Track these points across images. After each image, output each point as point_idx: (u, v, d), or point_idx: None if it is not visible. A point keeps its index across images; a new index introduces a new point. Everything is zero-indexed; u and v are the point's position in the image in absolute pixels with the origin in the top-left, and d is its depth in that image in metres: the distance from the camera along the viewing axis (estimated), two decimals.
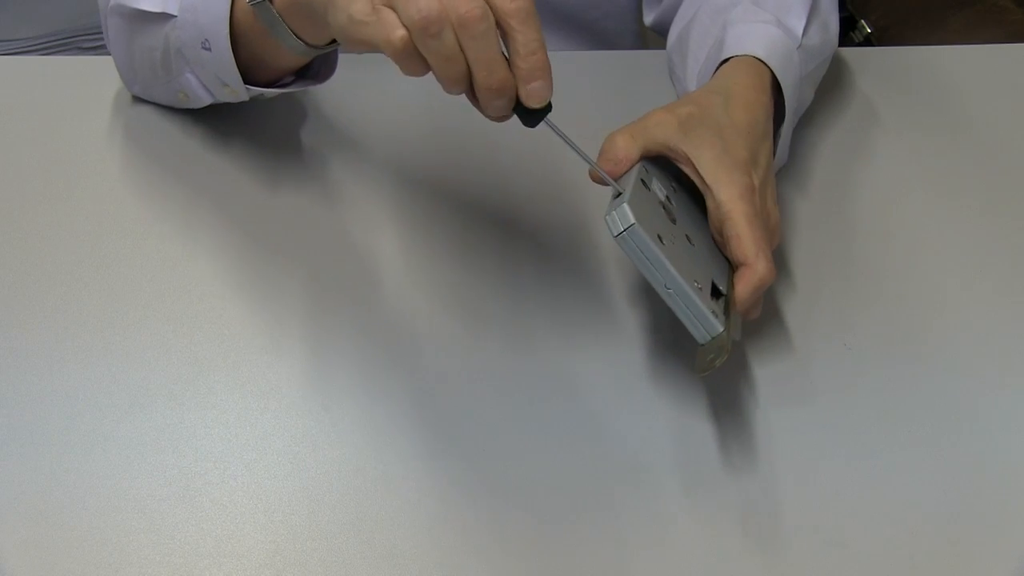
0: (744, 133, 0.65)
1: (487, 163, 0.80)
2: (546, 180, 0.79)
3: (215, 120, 0.80)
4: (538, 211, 0.73)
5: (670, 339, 0.68)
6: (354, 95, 0.85)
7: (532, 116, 0.56)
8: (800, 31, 0.75)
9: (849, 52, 0.92)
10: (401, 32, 0.54)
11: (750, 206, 0.61)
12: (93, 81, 0.85)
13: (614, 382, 0.66)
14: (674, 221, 0.60)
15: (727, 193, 0.61)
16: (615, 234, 0.56)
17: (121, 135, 0.81)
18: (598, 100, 0.87)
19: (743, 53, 0.71)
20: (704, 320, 0.57)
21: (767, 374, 0.67)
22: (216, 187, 0.77)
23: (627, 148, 0.63)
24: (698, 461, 0.62)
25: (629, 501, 0.60)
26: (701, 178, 0.62)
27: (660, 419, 0.64)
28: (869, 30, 1.22)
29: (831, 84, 0.88)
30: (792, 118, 0.74)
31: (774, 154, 0.71)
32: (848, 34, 1.17)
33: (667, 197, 0.62)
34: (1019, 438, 0.64)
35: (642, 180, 0.60)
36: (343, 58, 0.86)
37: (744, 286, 0.59)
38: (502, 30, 0.54)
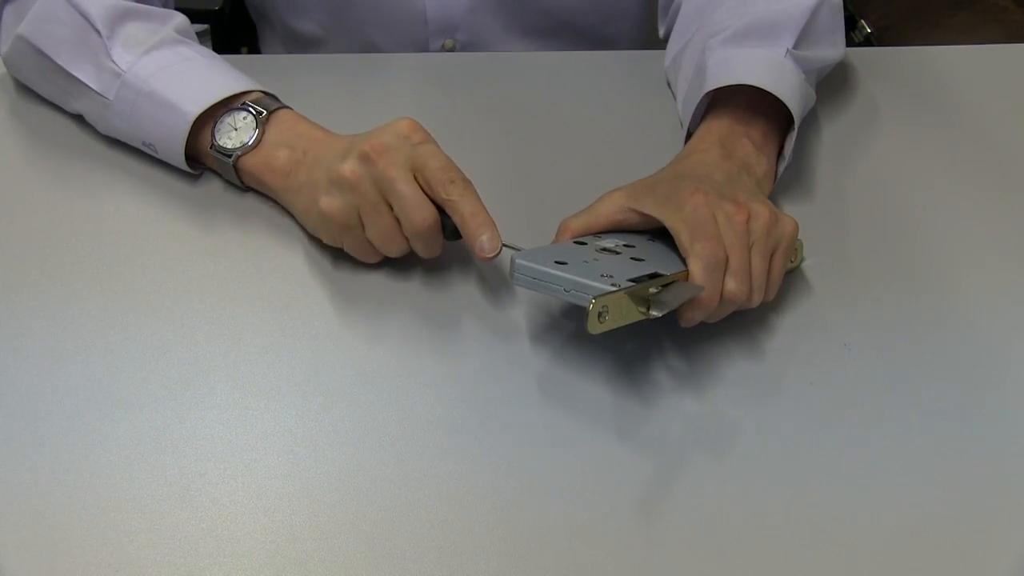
0: (682, 175, 0.69)
1: (492, 162, 0.80)
2: (557, 181, 0.79)
3: None
4: (544, 214, 0.73)
5: (668, 341, 0.68)
6: (351, 100, 0.85)
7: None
8: (790, 45, 0.77)
9: (849, 52, 0.92)
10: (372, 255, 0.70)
11: (687, 212, 0.64)
12: None
13: (613, 384, 0.66)
14: (618, 252, 0.65)
15: (668, 214, 0.65)
16: (510, 279, 0.63)
17: None
18: (598, 100, 0.87)
19: (724, 84, 0.74)
20: (584, 289, 0.59)
21: (767, 374, 0.67)
22: (217, 187, 0.77)
23: (566, 227, 0.68)
24: (697, 461, 0.62)
25: (628, 501, 0.60)
26: (650, 216, 0.66)
27: (659, 419, 0.64)
28: (869, 30, 1.22)
29: (831, 84, 0.88)
30: (800, 117, 0.76)
31: (782, 155, 0.76)
32: (848, 34, 1.17)
33: (620, 244, 0.66)
34: (1019, 438, 0.64)
35: (575, 242, 0.66)
36: (343, 65, 0.86)
37: (693, 268, 0.63)
38: (446, 205, 0.66)
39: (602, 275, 0.60)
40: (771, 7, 0.78)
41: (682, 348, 0.67)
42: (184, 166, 0.75)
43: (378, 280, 0.71)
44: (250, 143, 0.72)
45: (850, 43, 0.87)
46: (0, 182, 0.77)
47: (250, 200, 0.76)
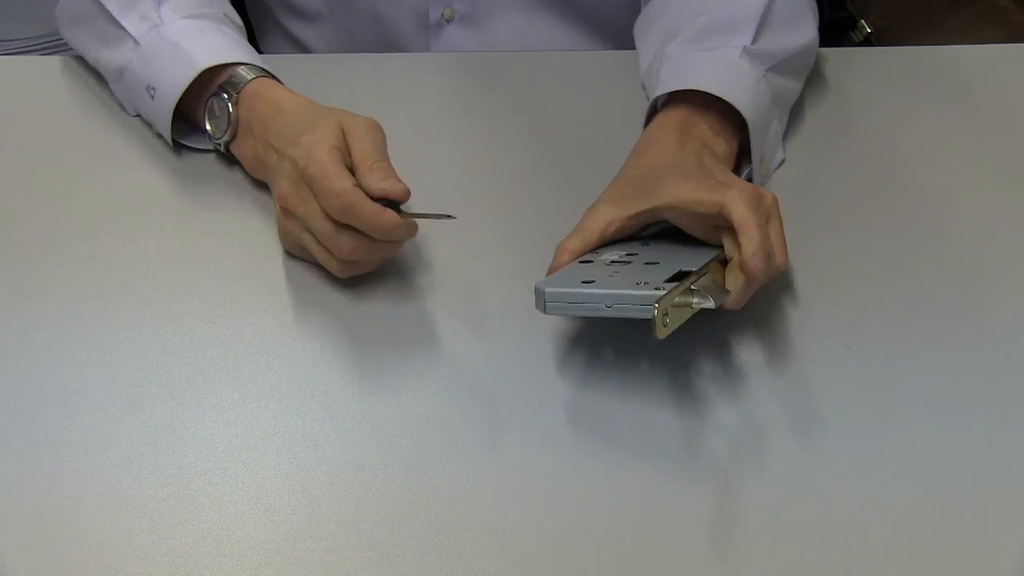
0: (654, 168, 0.69)
1: (492, 162, 0.80)
2: (556, 181, 0.79)
3: None
4: (543, 214, 0.73)
5: (667, 342, 0.68)
6: (351, 101, 0.85)
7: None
8: (747, 42, 0.78)
9: (849, 52, 0.92)
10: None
11: (690, 186, 0.65)
12: (92, 81, 0.85)
13: (613, 384, 0.66)
14: (628, 261, 0.64)
15: (667, 198, 0.65)
16: (540, 309, 0.61)
17: (121, 135, 0.81)
18: (599, 100, 0.87)
19: (674, 89, 0.75)
20: (638, 300, 0.59)
21: (767, 374, 0.66)
22: (216, 187, 0.77)
23: (563, 249, 0.67)
24: (697, 461, 0.62)
25: (628, 501, 0.60)
26: (642, 214, 0.66)
27: (659, 419, 0.64)
28: (869, 30, 1.22)
29: (831, 84, 0.88)
30: (763, 115, 0.76)
31: (761, 156, 0.77)
32: (848, 34, 1.17)
33: (624, 255, 0.66)
34: (1019, 438, 0.64)
35: (580, 261, 0.65)
36: (343, 65, 0.86)
37: (734, 208, 0.62)
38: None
39: (636, 283, 0.60)
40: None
41: (682, 349, 0.67)
42: (169, 115, 0.76)
43: (378, 280, 0.71)
44: (226, 136, 0.75)
45: (850, 43, 0.87)
46: (0, 181, 0.77)
47: (251, 200, 0.76)
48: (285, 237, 0.71)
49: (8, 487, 0.59)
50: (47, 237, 0.73)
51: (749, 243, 0.61)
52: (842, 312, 0.70)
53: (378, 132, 0.69)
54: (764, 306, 0.70)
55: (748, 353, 0.68)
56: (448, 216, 0.67)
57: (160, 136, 0.79)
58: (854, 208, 0.78)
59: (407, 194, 0.66)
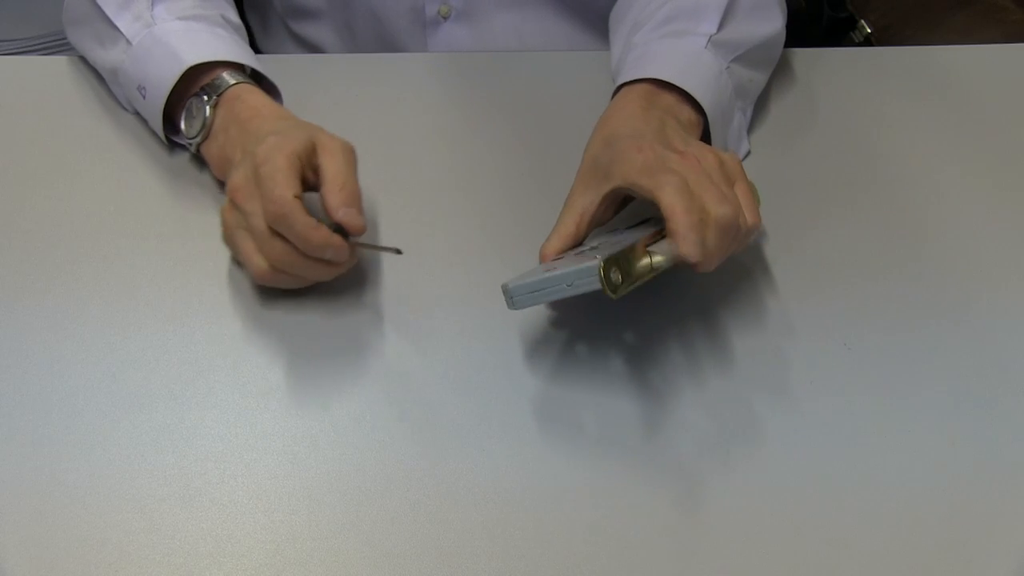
0: (612, 138, 0.70)
1: (490, 163, 0.80)
2: (554, 181, 0.79)
3: None
4: (537, 215, 0.73)
5: (668, 340, 0.68)
6: (350, 100, 0.85)
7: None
8: (712, 30, 0.78)
9: (849, 52, 0.92)
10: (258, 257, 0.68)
11: (638, 164, 0.65)
12: (93, 81, 0.85)
13: (614, 384, 0.66)
14: (596, 247, 0.65)
15: (620, 175, 0.65)
16: (510, 307, 0.62)
17: (121, 135, 0.81)
18: (597, 100, 0.87)
19: (633, 79, 0.75)
20: (586, 273, 0.59)
21: (767, 373, 0.67)
22: (217, 187, 0.77)
23: (545, 255, 0.68)
24: (697, 460, 0.62)
25: (628, 502, 0.60)
26: (609, 194, 0.67)
27: (659, 419, 0.64)
28: (869, 30, 1.22)
29: (831, 84, 0.88)
30: (724, 107, 0.77)
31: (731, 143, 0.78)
32: (848, 34, 1.17)
33: (591, 247, 0.66)
34: (1019, 438, 0.64)
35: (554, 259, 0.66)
36: (343, 65, 0.85)
37: (663, 198, 0.61)
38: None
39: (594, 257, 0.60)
40: None
41: (681, 347, 0.67)
42: (160, 114, 0.76)
43: (378, 280, 0.71)
44: (198, 138, 0.75)
45: (850, 43, 0.87)
46: (0, 181, 0.77)
47: None
48: (223, 228, 0.69)
49: (8, 487, 0.59)
50: (47, 237, 0.73)
51: (677, 226, 0.60)
52: (842, 312, 0.70)
53: (352, 156, 0.68)
54: (763, 304, 0.70)
55: (748, 352, 0.68)
56: (395, 250, 0.67)
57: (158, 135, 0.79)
58: (854, 207, 0.78)
59: (362, 230, 0.66)
